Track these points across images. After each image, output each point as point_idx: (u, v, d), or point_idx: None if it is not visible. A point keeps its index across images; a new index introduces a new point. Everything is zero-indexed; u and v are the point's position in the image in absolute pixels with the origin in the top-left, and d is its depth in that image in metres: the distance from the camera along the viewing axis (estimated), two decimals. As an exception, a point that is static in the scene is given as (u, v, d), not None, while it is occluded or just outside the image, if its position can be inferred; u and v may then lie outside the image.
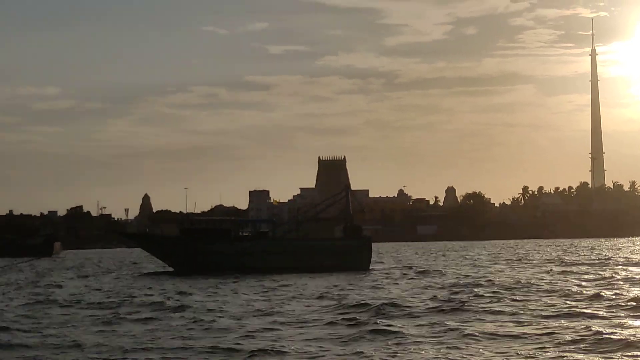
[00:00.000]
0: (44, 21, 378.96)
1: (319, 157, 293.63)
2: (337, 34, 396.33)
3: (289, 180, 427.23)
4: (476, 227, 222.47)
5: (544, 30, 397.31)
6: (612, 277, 44.02)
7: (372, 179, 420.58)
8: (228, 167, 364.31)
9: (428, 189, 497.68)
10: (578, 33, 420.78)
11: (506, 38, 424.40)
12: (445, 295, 34.25)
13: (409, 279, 48.10)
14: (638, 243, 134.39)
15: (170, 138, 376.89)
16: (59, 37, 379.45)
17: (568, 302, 30.20)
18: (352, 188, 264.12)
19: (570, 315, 25.99)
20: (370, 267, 61.26)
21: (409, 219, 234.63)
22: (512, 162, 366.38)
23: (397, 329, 23.40)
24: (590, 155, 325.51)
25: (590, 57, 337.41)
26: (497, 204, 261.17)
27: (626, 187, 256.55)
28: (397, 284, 43.80)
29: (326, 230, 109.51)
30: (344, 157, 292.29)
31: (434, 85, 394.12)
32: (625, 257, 72.31)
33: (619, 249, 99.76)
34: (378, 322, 25.03)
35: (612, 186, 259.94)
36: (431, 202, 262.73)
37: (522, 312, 27.12)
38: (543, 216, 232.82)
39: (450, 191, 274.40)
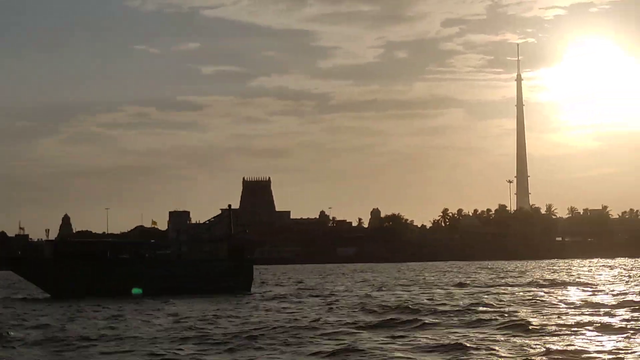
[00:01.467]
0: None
1: (244, 178, 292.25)
2: (270, 55, 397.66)
3: (215, 201, 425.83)
4: (395, 248, 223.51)
5: (473, 55, 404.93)
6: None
7: (299, 201, 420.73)
8: (154, 188, 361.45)
9: (355, 211, 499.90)
10: (507, 58, 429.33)
11: (437, 62, 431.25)
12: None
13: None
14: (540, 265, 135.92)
15: (99, 158, 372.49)
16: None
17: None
18: (277, 209, 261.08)
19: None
20: (253, 290, 60.81)
21: (329, 241, 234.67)
22: (440, 184, 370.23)
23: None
24: (515, 178, 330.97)
25: (514, 82, 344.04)
26: (420, 226, 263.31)
27: (544, 210, 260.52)
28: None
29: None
30: (269, 178, 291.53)
31: (367, 108, 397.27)
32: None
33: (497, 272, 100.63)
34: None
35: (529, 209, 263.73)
36: (355, 224, 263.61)
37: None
38: (461, 238, 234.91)
39: (375, 213, 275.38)
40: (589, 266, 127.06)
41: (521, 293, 52.11)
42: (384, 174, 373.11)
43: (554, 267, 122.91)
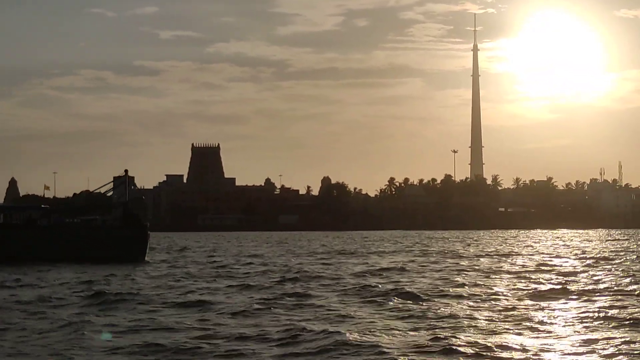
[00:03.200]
0: None
1: (193, 144, 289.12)
2: (228, 21, 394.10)
3: (165, 167, 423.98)
4: (338, 217, 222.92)
5: (433, 25, 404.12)
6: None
7: (253, 168, 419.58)
8: (107, 153, 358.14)
9: (307, 179, 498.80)
10: (466, 29, 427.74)
11: (396, 31, 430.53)
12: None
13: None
14: (474, 237, 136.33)
15: (52, 121, 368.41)
16: None
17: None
18: (226, 176, 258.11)
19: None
20: (147, 259, 59.75)
21: (273, 208, 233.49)
22: (396, 154, 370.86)
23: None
24: (470, 148, 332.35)
25: (472, 52, 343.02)
26: (371, 195, 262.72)
27: (490, 181, 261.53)
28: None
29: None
30: (218, 144, 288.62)
31: (325, 76, 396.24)
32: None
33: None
34: None
35: (475, 179, 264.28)
36: (303, 192, 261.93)
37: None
38: (405, 207, 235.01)
39: (326, 181, 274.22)
40: (517, 237, 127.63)
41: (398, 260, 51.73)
42: (339, 142, 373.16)
43: (469, 238, 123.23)
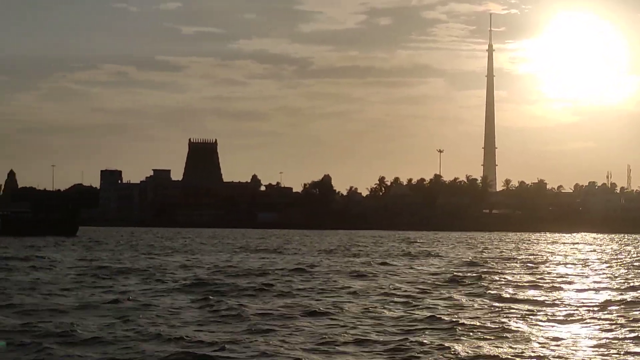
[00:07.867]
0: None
1: (190, 139, 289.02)
2: (251, 17, 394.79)
3: (169, 162, 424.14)
4: (319, 216, 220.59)
5: (456, 25, 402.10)
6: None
7: (259, 165, 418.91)
8: (124, 147, 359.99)
9: (314, 177, 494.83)
10: (489, 29, 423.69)
11: (419, 31, 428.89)
12: None
13: None
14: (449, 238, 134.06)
15: (74, 115, 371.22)
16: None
17: None
18: (223, 173, 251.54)
19: None
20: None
21: (255, 206, 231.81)
22: (410, 153, 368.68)
23: None
24: (483, 149, 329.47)
25: (487, 52, 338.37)
26: (364, 195, 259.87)
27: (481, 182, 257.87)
28: None
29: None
30: (216, 140, 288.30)
31: (346, 75, 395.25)
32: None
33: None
34: None
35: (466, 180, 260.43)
36: (296, 190, 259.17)
37: None
38: (390, 207, 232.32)
39: (326, 179, 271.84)
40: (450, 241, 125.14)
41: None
42: (357, 141, 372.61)
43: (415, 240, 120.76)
